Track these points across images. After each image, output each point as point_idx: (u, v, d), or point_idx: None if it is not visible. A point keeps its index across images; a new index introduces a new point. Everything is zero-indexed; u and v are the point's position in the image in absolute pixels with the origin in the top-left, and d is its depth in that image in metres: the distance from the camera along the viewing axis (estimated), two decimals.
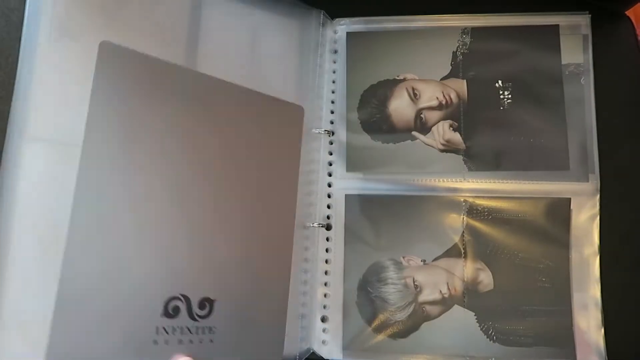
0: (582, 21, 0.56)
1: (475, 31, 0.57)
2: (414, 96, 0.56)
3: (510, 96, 0.55)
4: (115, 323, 0.42)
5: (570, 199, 0.53)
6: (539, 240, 0.52)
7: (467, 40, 0.56)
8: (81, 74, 0.43)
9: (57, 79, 0.43)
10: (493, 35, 0.56)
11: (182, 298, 0.45)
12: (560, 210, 0.52)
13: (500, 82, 0.55)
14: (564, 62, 0.55)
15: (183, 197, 0.46)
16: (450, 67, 0.56)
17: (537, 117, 0.54)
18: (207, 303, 0.46)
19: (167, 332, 0.43)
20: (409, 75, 0.57)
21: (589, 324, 0.50)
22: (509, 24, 0.57)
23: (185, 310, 0.44)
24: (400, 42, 0.57)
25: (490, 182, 0.54)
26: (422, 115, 0.55)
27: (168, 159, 0.46)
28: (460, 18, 0.57)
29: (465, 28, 0.57)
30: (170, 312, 0.44)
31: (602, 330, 0.50)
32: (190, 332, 0.45)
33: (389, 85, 0.57)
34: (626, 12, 0.57)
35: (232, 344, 0.47)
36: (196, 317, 0.45)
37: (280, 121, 0.53)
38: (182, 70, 0.48)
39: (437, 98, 0.55)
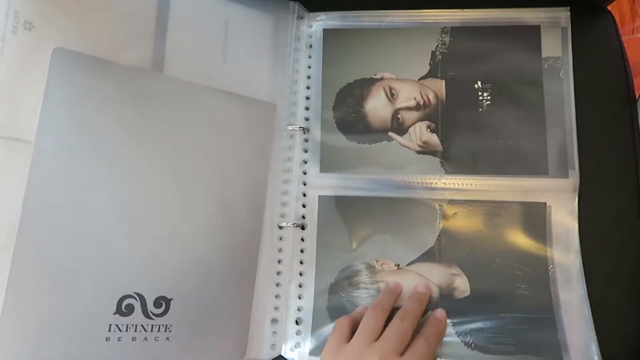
0: (562, 15, 0.54)
1: (455, 31, 0.55)
2: (391, 96, 0.55)
3: (489, 97, 0.53)
4: (66, 321, 0.41)
5: (545, 203, 0.51)
6: (516, 246, 0.50)
7: (447, 39, 0.55)
8: (38, 68, 0.43)
9: (12, 73, 0.42)
10: (473, 35, 0.55)
11: (136, 296, 0.44)
12: (536, 215, 0.51)
13: (479, 83, 0.54)
14: (543, 55, 0.53)
15: (142, 196, 0.46)
16: (429, 67, 0.55)
17: (516, 119, 0.52)
18: (162, 302, 0.45)
19: (120, 330, 0.43)
20: (386, 75, 0.55)
21: (578, 328, 0.48)
22: (489, 24, 0.55)
23: (140, 308, 0.44)
24: (379, 40, 0.56)
25: (466, 185, 0.52)
26: (399, 116, 0.54)
27: (124, 158, 0.45)
28: (438, 13, 0.56)
29: (445, 27, 0.55)
30: (123, 310, 0.43)
31: (593, 331, 0.48)
32: (145, 330, 0.44)
33: (365, 84, 0.55)
34: (608, 7, 0.55)
35: (190, 343, 0.46)
36: (151, 315, 0.44)
37: (251, 119, 0.52)
38: (139, 72, 0.47)
39: (415, 98, 0.54)
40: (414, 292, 0.50)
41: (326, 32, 0.57)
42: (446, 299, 0.50)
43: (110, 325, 0.43)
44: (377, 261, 0.52)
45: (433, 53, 0.55)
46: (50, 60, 0.43)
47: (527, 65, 0.53)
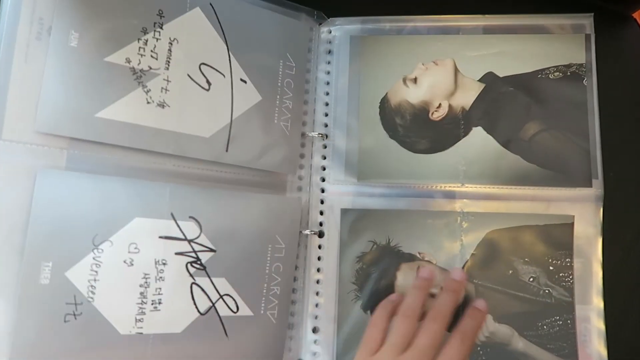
0: (585, 21, 0.53)
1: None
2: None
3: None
4: None
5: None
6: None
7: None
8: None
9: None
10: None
11: None
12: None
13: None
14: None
15: None
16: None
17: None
18: None
19: None
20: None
21: (592, 342, 0.48)
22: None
23: None
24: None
25: (486, 193, 0.51)
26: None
27: None
28: (460, 18, 0.55)
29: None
30: None
31: (606, 348, 0.47)
32: None
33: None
34: (632, 15, 0.54)
35: None
36: None
37: None
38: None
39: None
40: (448, 280, 0.47)
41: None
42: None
43: None
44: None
45: None
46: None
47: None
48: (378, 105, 0.54)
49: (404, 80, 0.54)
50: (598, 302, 0.48)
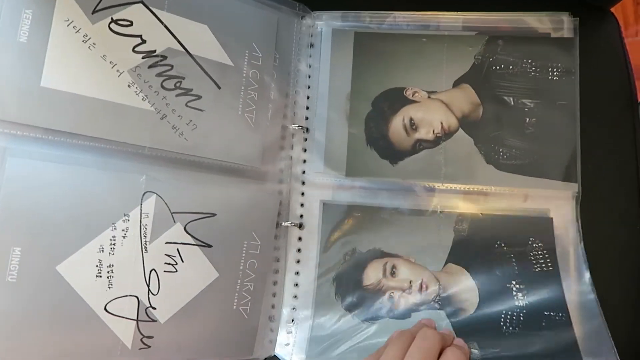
0: (565, 17, 0.53)
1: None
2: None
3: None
4: None
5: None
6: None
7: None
8: None
9: None
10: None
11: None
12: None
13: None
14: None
15: None
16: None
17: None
18: None
19: None
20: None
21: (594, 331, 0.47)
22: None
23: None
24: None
25: (466, 189, 0.52)
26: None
27: None
28: (440, 15, 0.55)
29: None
30: None
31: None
32: None
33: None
34: (611, 10, 0.55)
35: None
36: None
37: None
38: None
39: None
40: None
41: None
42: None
43: None
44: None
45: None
46: None
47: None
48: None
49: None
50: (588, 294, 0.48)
